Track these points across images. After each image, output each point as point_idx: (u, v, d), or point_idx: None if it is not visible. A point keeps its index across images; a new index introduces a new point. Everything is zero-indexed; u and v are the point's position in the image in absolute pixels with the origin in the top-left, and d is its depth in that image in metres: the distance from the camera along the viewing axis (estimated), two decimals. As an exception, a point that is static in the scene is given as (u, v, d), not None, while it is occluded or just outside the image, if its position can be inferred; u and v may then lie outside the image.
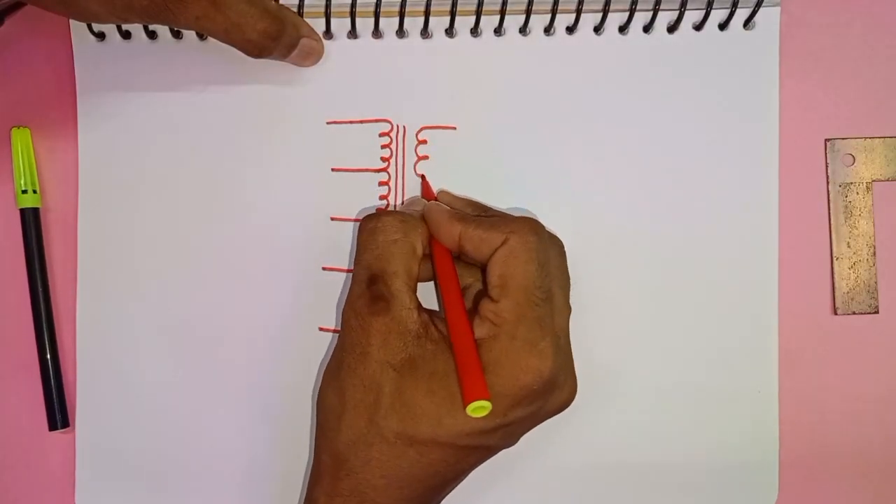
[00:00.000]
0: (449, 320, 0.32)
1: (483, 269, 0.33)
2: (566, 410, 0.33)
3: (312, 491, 0.33)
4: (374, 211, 0.36)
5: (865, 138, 0.39)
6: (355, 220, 0.38)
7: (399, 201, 0.38)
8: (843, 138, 0.39)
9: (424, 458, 0.31)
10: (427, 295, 0.37)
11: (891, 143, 0.39)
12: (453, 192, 0.38)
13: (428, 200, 0.37)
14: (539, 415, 0.33)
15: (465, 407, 0.30)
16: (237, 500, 0.38)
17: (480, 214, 0.35)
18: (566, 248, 0.35)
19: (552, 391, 0.32)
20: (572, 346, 0.33)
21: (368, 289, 0.32)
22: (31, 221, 0.38)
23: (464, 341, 0.31)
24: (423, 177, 0.38)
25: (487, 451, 0.33)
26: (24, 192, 0.38)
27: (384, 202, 0.38)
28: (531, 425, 0.33)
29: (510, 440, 0.33)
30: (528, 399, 0.31)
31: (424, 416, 0.31)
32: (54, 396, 0.38)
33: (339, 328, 0.37)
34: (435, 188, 0.38)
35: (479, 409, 0.30)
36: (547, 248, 0.33)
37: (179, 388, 0.38)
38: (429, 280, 0.35)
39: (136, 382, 0.38)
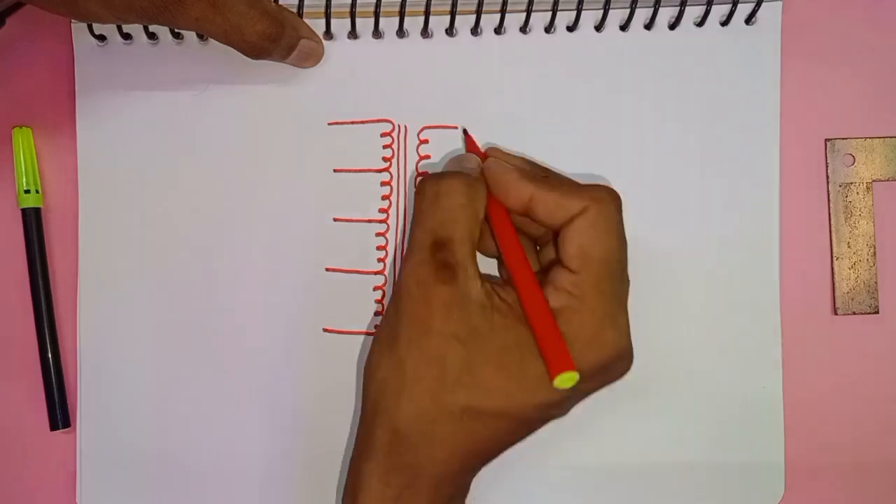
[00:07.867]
0: (521, 291, 0.31)
1: (552, 234, 0.32)
2: (571, 412, 0.33)
3: (362, 466, 0.31)
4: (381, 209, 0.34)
5: (865, 138, 0.39)
6: (358, 221, 0.38)
7: (402, 202, 0.38)
8: (843, 138, 0.39)
9: (489, 431, 0.31)
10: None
11: (891, 143, 0.39)
12: (502, 149, 0.36)
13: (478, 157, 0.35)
14: (600, 386, 0.32)
15: (552, 379, 0.29)
16: (238, 501, 0.38)
17: (548, 175, 0.34)
18: None
19: (621, 363, 0.32)
20: None
21: (433, 256, 0.30)
22: (32, 221, 0.38)
23: (541, 313, 0.30)
24: (465, 131, 0.37)
25: (546, 421, 0.32)
26: (26, 191, 0.38)
27: (386, 202, 0.38)
28: (588, 395, 0.32)
29: (567, 411, 0.32)
30: (602, 371, 0.31)
31: (495, 391, 0.30)
32: (55, 396, 0.38)
33: (344, 330, 0.38)
34: None
35: (566, 380, 0.29)
36: (622, 220, 0.32)
37: (181, 389, 0.38)
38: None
39: (138, 382, 0.38)
